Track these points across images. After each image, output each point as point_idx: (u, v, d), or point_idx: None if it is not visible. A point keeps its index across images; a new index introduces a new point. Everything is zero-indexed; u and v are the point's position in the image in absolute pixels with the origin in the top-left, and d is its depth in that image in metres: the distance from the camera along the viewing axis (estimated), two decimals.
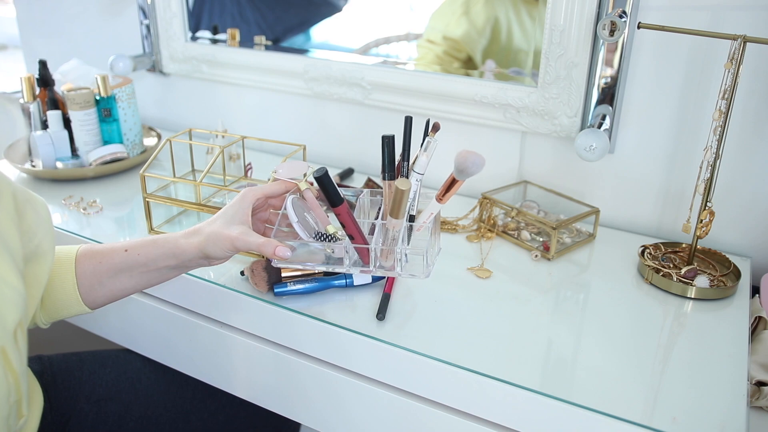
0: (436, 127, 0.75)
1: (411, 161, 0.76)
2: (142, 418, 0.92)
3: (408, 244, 0.74)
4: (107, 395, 0.91)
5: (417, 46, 1.16)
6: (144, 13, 1.36)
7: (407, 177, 0.75)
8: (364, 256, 0.74)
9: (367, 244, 0.73)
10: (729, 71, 0.78)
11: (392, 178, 0.75)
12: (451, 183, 0.72)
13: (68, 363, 0.92)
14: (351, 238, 0.73)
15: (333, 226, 0.74)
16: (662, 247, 0.92)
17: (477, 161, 0.69)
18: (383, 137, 0.73)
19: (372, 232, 0.75)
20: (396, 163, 0.76)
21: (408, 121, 0.76)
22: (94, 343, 1.10)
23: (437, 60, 1.12)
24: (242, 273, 0.84)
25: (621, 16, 0.85)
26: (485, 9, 1.06)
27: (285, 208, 0.74)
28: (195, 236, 0.72)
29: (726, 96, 0.78)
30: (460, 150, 0.70)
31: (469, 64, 1.09)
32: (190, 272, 0.84)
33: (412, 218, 0.75)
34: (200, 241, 0.72)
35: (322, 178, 0.70)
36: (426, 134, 0.75)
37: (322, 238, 0.73)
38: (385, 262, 0.74)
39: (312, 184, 0.75)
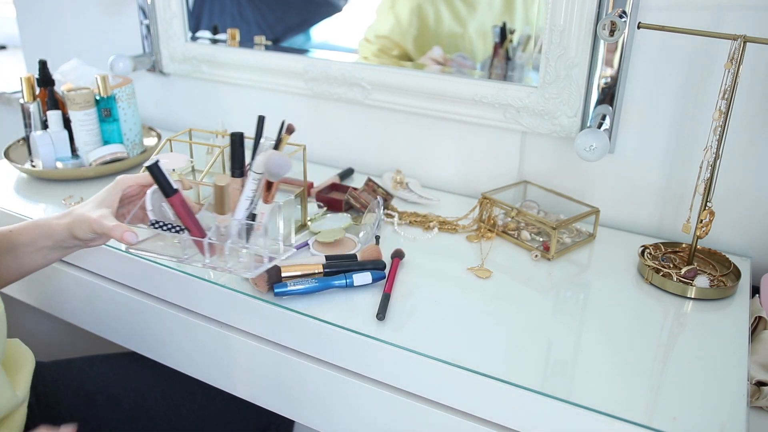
0: (290, 129, 0.77)
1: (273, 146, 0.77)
2: (132, 410, 0.92)
3: (247, 241, 0.76)
4: (95, 389, 0.92)
5: (358, 45, 1.18)
6: (144, 13, 1.36)
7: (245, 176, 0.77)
8: (202, 249, 0.76)
9: (203, 237, 0.75)
10: (729, 71, 0.78)
11: (240, 175, 0.77)
12: (268, 184, 0.75)
13: (56, 363, 0.93)
14: (188, 230, 0.75)
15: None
16: (662, 247, 0.92)
17: (280, 162, 0.71)
18: (231, 135, 0.77)
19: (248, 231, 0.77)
20: (245, 162, 0.78)
21: (260, 120, 0.79)
22: (94, 344, 1.10)
23: (375, 58, 1.15)
24: None
25: (621, 16, 0.85)
26: (408, 0, 1.06)
27: (145, 198, 0.77)
28: (66, 217, 0.77)
29: (726, 96, 0.78)
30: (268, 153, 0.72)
31: (405, 58, 1.10)
32: (189, 272, 0.84)
33: (255, 217, 0.77)
34: (68, 222, 0.76)
35: (152, 169, 0.72)
36: (280, 136, 0.77)
37: (161, 228, 0.76)
38: (221, 257, 0.75)
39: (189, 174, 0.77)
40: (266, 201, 0.75)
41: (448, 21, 1.03)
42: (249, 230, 0.76)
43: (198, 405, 0.97)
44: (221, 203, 0.74)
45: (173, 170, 0.77)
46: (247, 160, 0.77)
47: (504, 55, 1.05)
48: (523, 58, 1.03)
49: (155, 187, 0.75)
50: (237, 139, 0.76)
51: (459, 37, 1.03)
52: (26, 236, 0.77)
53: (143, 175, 0.79)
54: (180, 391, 0.96)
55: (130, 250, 0.76)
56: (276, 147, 0.76)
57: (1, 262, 0.77)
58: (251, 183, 0.74)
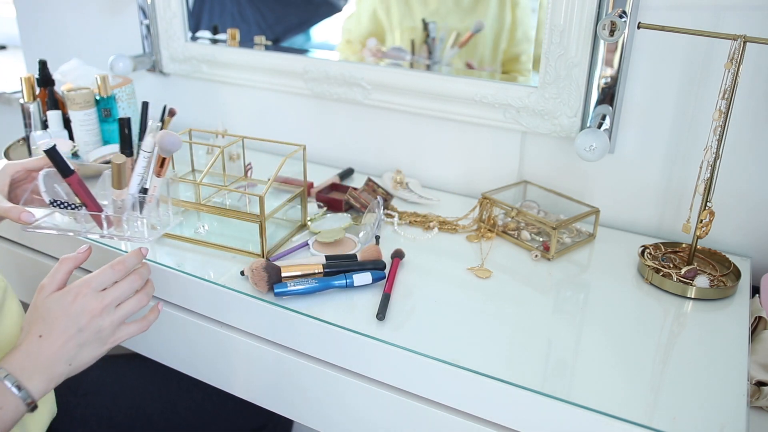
0: (171, 113, 0.95)
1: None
2: (131, 409, 0.93)
3: (141, 212, 0.85)
4: (93, 389, 0.92)
5: (337, 48, 1.22)
6: (144, 13, 1.36)
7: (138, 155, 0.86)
8: (99, 223, 0.84)
9: (100, 211, 0.84)
10: (729, 71, 0.78)
11: (129, 155, 0.91)
12: (162, 160, 0.83)
13: None
14: (86, 206, 0.83)
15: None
16: (662, 247, 0.92)
17: (172, 140, 0.80)
18: (120, 120, 0.93)
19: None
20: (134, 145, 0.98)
21: (144, 106, 0.98)
22: None
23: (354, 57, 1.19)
24: (242, 273, 0.84)
25: (621, 16, 0.85)
26: None
27: (37, 180, 0.84)
28: None
29: (726, 96, 0.78)
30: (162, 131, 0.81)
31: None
32: (189, 272, 0.84)
33: (146, 191, 0.86)
34: None
35: (50, 152, 0.79)
36: (162, 119, 0.97)
37: (58, 206, 0.83)
38: (119, 228, 0.85)
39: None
40: (158, 175, 0.84)
41: (383, 16, 1.07)
42: (142, 203, 0.85)
43: (195, 403, 0.97)
44: (118, 180, 0.83)
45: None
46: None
47: (427, 50, 1.11)
48: (445, 53, 1.09)
49: (47, 170, 0.84)
50: (125, 123, 1.00)
51: (412, 30, 1.08)
52: None
53: (29, 161, 0.85)
54: (177, 390, 0.97)
55: (28, 230, 0.81)
56: (162, 128, 0.88)
57: None
58: (142, 160, 0.83)
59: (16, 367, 0.64)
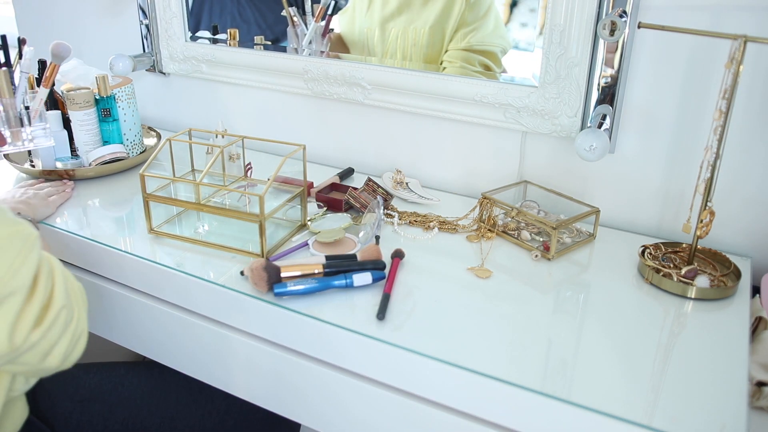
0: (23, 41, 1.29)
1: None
2: (127, 420, 0.92)
3: (30, 124, 1.07)
4: (90, 396, 0.92)
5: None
6: (144, 13, 1.36)
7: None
8: (2, 140, 1.04)
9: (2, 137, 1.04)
10: (729, 71, 0.77)
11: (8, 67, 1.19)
12: (52, 68, 1.03)
13: None
14: None
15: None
16: (662, 247, 0.92)
17: (64, 47, 0.98)
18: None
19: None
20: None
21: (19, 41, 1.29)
22: (91, 347, 1.10)
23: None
24: (242, 273, 0.84)
25: (621, 16, 0.85)
26: None
27: None
28: None
29: (726, 96, 0.78)
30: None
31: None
32: (189, 272, 0.84)
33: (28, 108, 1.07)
34: None
35: None
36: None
37: None
38: (18, 140, 1.06)
39: None
40: (45, 86, 1.05)
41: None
42: (29, 117, 1.07)
43: (194, 420, 0.96)
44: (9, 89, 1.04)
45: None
46: None
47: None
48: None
49: None
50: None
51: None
52: None
53: None
54: (176, 405, 0.96)
55: None
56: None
57: None
58: (23, 81, 1.06)
59: None
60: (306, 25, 1.20)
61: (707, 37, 0.80)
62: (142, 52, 1.40)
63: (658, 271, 0.85)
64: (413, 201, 1.09)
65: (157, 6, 1.34)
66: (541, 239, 0.96)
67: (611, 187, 1.02)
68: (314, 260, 0.84)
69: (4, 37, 1.27)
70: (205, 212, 0.92)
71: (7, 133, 1.04)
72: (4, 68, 1.10)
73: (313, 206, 1.03)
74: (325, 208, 1.03)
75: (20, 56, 1.31)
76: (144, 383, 0.96)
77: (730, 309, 0.80)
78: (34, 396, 0.86)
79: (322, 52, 1.19)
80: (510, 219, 1.00)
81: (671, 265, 0.87)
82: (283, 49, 1.26)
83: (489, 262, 0.90)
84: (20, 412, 0.79)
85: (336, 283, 0.80)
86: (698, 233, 0.85)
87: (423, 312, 0.78)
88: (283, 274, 0.81)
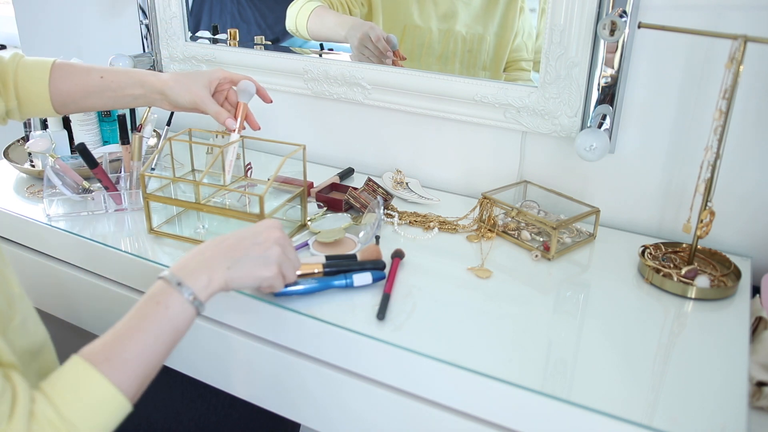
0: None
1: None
2: (133, 416, 0.92)
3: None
4: None
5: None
6: (144, 13, 1.36)
7: None
8: (117, 200, 1.02)
9: (117, 191, 1.02)
10: (729, 71, 0.77)
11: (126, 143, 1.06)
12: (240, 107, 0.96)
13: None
14: (107, 188, 1.02)
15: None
16: (662, 247, 0.92)
17: (247, 84, 0.92)
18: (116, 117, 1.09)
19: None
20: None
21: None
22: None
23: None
24: None
25: (621, 16, 0.85)
26: None
27: (46, 177, 0.99)
28: (163, 75, 0.90)
29: (726, 96, 0.78)
30: None
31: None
32: None
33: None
34: (166, 79, 0.88)
35: (80, 148, 0.98)
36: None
37: (82, 191, 1.02)
38: (135, 202, 1.03)
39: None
40: (241, 125, 0.98)
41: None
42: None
43: (199, 414, 0.96)
44: (138, 153, 1.06)
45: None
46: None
47: None
48: None
49: (52, 167, 1.00)
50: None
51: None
52: (117, 83, 0.88)
53: (234, 73, 0.94)
54: (181, 400, 0.96)
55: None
56: None
57: (86, 101, 0.90)
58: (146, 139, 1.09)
59: (178, 266, 0.67)
60: None
61: (707, 37, 0.80)
62: (142, 52, 1.40)
63: (658, 271, 0.85)
64: (413, 201, 1.09)
65: (157, 6, 1.34)
66: (542, 239, 0.96)
67: (611, 187, 1.02)
68: (314, 260, 0.84)
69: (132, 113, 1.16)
70: (205, 212, 0.92)
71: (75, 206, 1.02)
72: (138, 133, 1.04)
73: (313, 206, 1.03)
74: (325, 208, 1.03)
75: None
76: None
77: (730, 309, 0.80)
78: None
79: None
80: (510, 219, 1.00)
81: (671, 265, 0.87)
82: (283, 49, 1.26)
83: (489, 262, 0.90)
84: None
85: (336, 283, 0.80)
86: (698, 233, 0.85)
87: (423, 312, 0.78)
88: None
